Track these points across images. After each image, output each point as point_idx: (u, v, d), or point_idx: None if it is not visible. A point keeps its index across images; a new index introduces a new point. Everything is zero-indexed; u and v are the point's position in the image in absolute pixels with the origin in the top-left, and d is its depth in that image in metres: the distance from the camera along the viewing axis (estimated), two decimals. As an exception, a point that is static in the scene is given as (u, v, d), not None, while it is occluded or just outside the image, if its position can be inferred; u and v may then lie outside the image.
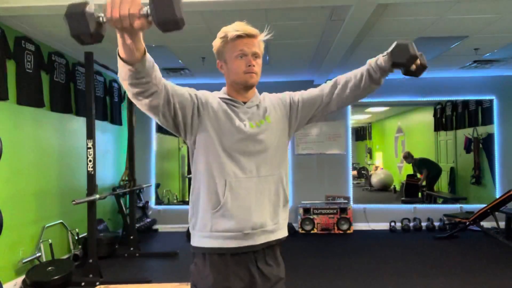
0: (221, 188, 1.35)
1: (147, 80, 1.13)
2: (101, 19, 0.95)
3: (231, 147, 1.37)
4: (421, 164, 7.89)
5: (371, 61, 1.44)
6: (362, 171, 11.22)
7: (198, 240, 1.40)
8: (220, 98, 1.44)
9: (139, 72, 1.10)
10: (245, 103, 1.45)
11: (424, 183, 7.78)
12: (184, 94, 1.33)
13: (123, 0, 0.93)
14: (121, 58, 1.09)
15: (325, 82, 1.57)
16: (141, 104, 1.21)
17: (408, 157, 7.92)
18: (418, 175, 7.99)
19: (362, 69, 1.46)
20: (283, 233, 1.48)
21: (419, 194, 7.83)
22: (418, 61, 1.40)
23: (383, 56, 1.40)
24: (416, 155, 8.06)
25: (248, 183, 1.37)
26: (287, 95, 1.57)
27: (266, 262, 1.42)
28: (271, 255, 1.45)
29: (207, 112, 1.38)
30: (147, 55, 1.10)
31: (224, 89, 1.49)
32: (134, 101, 1.21)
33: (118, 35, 1.03)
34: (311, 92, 1.57)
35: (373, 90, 1.49)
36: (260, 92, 1.54)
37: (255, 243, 1.38)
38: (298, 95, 1.56)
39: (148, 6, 0.92)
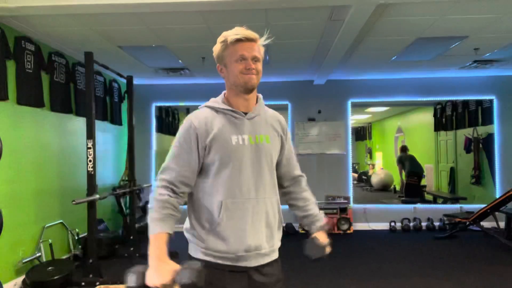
0: (217, 208, 1.35)
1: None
2: None
3: (229, 166, 1.36)
4: (400, 160, 8.05)
5: (312, 222, 1.58)
6: (363, 176, 11.21)
7: (195, 253, 1.41)
8: (219, 109, 1.42)
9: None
10: (246, 113, 1.43)
11: (403, 175, 8.02)
12: (189, 174, 1.38)
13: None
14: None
15: (296, 176, 1.64)
16: None
17: (400, 150, 8.08)
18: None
19: (303, 214, 1.60)
20: (277, 254, 1.49)
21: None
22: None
23: (312, 230, 1.58)
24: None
25: (245, 204, 1.37)
26: (286, 131, 1.57)
27: (268, 264, 1.43)
28: (273, 262, 1.46)
29: (210, 142, 1.37)
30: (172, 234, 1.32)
31: (223, 94, 1.47)
32: None
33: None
34: (290, 158, 1.60)
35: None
36: (259, 93, 1.53)
37: (250, 265, 1.39)
38: (286, 145, 1.57)
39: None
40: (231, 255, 1.36)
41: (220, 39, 1.42)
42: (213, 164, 1.37)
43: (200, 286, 1.19)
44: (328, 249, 1.51)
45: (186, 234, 1.45)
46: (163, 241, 1.29)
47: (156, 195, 1.34)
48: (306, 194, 1.61)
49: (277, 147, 1.50)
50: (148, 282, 1.21)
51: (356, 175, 10.54)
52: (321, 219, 1.59)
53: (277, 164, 1.53)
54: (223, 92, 1.48)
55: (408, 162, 7.99)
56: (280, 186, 1.58)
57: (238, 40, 1.37)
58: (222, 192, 1.35)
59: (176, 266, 1.24)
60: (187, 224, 1.45)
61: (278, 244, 1.48)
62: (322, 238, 1.52)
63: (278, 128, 1.52)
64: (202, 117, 1.40)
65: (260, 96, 1.51)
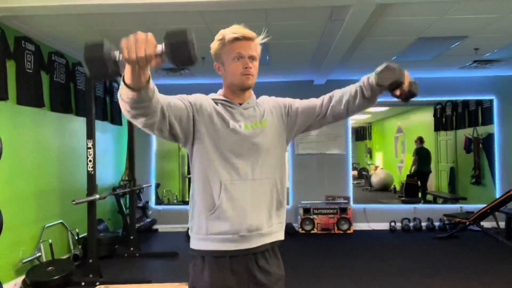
0: (216, 190, 1.36)
1: (147, 104, 1.15)
2: (117, 58, 1.01)
3: (226, 150, 1.38)
4: (417, 151, 7.97)
5: (364, 78, 1.45)
6: (363, 172, 11.22)
7: (196, 243, 1.41)
8: (215, 99, 1.45)
9: (142, 97, 1.11)
10: (241, 104, 1.46)
11: (413, 168, 7.91)
12: (178, 105, 1.32)
13: (138, 41, 0.98)
14: (126, 85, 1.09)
15: (324, 94, 1.57)
16: (138, 123, 1.22)
17: (417, 141, 7.98)
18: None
19: (357, 85, 1.48)
20: (278, 236, 1.48)
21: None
22: (405, 87, 1.39)
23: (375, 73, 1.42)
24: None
25: (243, 185, 1.38)
26: (286, 102, 1.57)
27: (266, 260, 1.43)
28: (271, 254, 1.46)
29: (202, 117, 1.39)
30: (151, 81, 1.11)
31: (220, 91, 1.50)
32: (131, 120, 1.22)
33: (128, 67, 1.04)
34: (310, 101, 1.56)
35: (367, 107, 1.50)
36: (259, 93, 1.55)
37: (251, 246, 1.39)
38: (298, 103, 1.56)
39: (163, 44, 1.00)
40: (234, 236, 1.36)
41: (217, 36, 1.43)
42: (209, 148, 1.39)
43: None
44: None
45: (190, 225, 1.45)
46: None
47: None
48: (346, 87, 1.51)
49: (276, 127, 1.50)
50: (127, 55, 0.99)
51: (355, 172, 10.53)
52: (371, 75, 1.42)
53: (306, 117, 1.53)
54: (220, 90, 1.52)
55: (422, 158, 7.91)
56: (327, 113, 1.51)
57: (236, 39, 1.38)
58: (220, 174, 1.37)
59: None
60: (189, 218, 1.46)
61: (276, 225, 1.47)
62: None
63: (278, 109, 1.53)
64: (205, 98, 1.45)
65: (252, 92, 1.52)
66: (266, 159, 1.44)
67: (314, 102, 1.56)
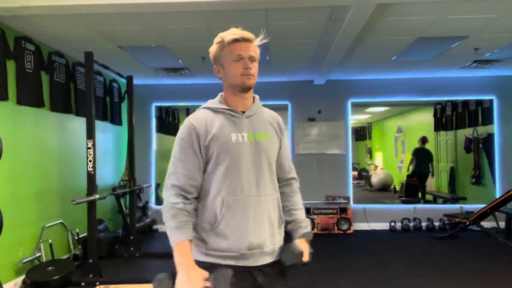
0: (218, 207, 1.35)
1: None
2: None
3: (229, 164, 1.36)
4: (415, 152, 7.93)
5: (298, 229, 1.53)
6: (363, 173, 11.20)
7: (197, 255, 1.40)
8: (216, 109, 1.44)
9: None
10: (244, 112, 1.44)
11: (410, 168, 7.86)
12: (196, 169, 1.39)
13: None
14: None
15: (292, 182, 1.62)
16: None
17: (419, 141, 7.93)
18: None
19: (294, 222, 1.54)
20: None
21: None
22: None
23: (297, 236, 1.51)
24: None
25: (246, 202, 1.36)
26: (283, 129, 1.58)
27: (268, 276, 1.42)
28: (274, 270, 1.44)
29: (210, 141, 1.38)
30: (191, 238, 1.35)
31: (220, 96, 1.49)
32: None
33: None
34: (284, 158, 1.57)
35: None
36: (259, 94, 1.54)
37: (252, 264, 1.37)
38: (283, 144, 1.57)
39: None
40: (234, 253, 1.35)
41: (216, 40, 1.43)
42: (214, 163, 1.38)
43: None
44: (305, 258, 1.44)
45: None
46: (187, 248, 1.31)
47: (169, 204, 1.35)
48: (296, 198, 1.58)
49: (276, 145, 1.51)
50: None
51: (356, 172, 10.50)
52: (306, 226, 1.53)
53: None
54: (220, 94, 1.50)
55: (420, 159, 7.87)
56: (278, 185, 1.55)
57: (235, 40, 1.38)
58: (223, 190, 1.36)
59: (205, 273, 1.25)
60: None
61: (280, 243, 1.47)
62: (302, 245, 1.46)
63: (276, 127, 1.54)
64: (201, 118, 1.42)
65: (257, 96, 1.53)
66: (269, 174, 1.44)
67: (284, 161, 1.56)
